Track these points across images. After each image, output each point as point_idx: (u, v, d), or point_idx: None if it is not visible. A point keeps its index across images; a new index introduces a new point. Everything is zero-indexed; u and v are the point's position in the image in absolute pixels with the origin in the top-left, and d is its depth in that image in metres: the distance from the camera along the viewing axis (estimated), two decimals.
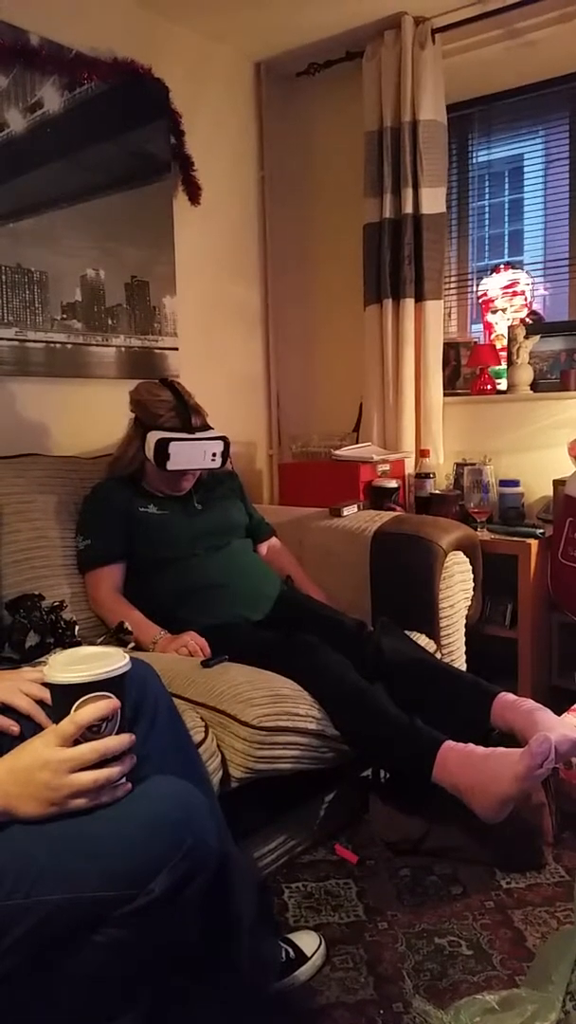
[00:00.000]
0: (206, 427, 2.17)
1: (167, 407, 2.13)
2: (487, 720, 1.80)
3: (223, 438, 2.15)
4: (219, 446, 2.14)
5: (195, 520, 2.18)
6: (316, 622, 2.04)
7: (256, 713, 1.61)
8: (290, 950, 1.46)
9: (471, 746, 1.63)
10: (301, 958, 1.46)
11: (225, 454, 2.16)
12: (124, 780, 1.00)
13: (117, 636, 1.94)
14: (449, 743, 1.64)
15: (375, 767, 1.92)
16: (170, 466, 2.07)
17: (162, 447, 2.06)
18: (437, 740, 1.64)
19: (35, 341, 2.38)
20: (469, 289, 3.11)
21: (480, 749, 1.62)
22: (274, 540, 2.44)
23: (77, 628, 1.86)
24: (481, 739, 1.68)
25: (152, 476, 2.17)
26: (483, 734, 1.75)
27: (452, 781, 1.60)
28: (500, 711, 1.79)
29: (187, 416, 2.12)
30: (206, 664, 1.79)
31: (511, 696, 1.82)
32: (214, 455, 2.13)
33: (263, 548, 2.40)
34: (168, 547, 2.12)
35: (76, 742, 0.97)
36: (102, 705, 0.97)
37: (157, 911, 0.93)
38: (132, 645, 1.94)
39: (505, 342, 2.87)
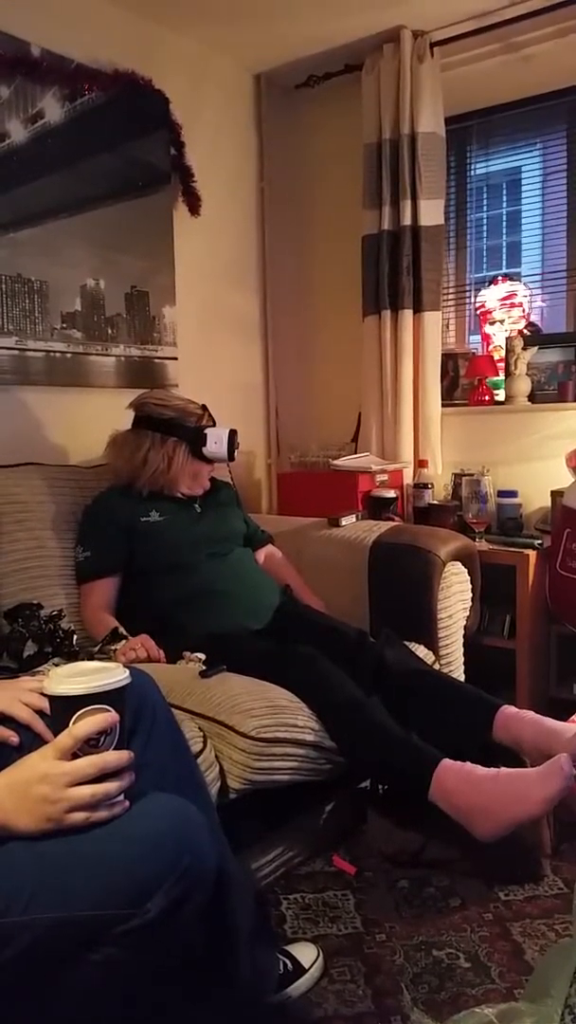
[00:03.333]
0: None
1: (199, 407, 2.24)
2: (489, 733, 1.79)
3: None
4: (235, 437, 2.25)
5: (196, 525, 2.19)
6: (316, 632, 2.04)
7: (254, 724, 1.61)
8: (288, 962, 1.45)
9: (469, 765, 1.61)
10: (299, 970, 1.45)
11: None
12: (122, 797, 0.98)
13: (112, 641, 1.93)
14: (447, 762, 1.62)
15: (371, 780, 1.91)
16: (236, 454, 2.22)
17: (233, 438, 2.19)
18: (435, 758, 1.63)
19: (35, 350, 2.39)
20: (467, 300, 3.12)
21: (480, 769, 1.59)
22: (271, 548, 2.45)
23: (75, 637, 1.86)
24: (482, 752, 1.67)
25: (182, 476, 2.19)
26: (483, 747, 1.74)
27: (449, 801, 1.58)
28: (503, 724, 1.78)
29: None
30: (204, 674, 1.78)
31: (513, 709, 1.81)
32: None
33: (260, 555, 2.40)
34: (170, 552, 2.12)
35: (75, 756, 0.96)
36: (100, 718, 0.96)
37: (154, 931, 0.92)
38: None
39: (503, 353, 2.88)
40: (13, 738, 1.10)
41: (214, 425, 2.23)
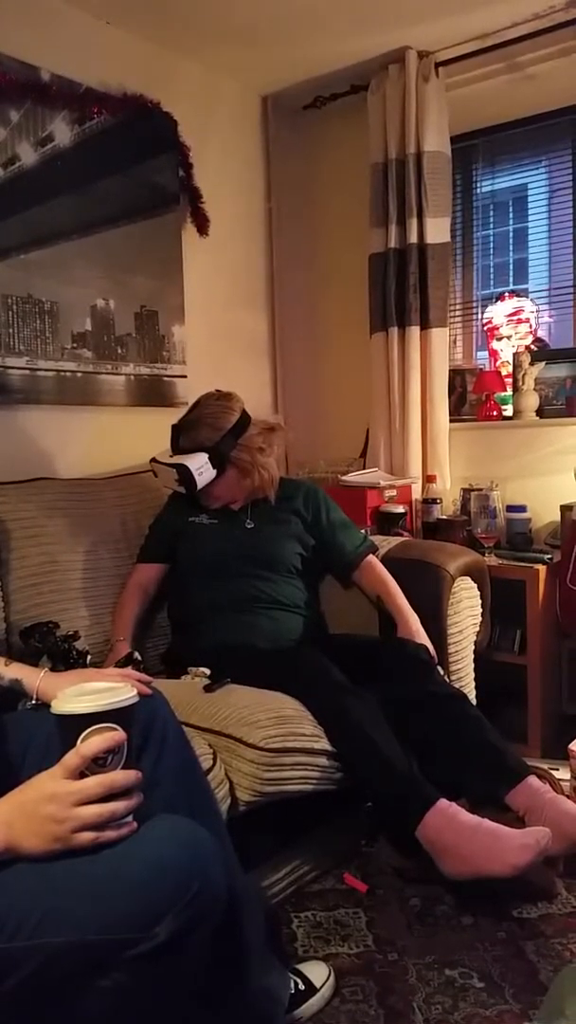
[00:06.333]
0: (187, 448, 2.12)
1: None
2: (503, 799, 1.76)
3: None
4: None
5: (240, 537, 2.16)
6: (342, 650, 2.02)
7: (262, 735, 1.61)
8: (299, 981, 1.44)
9: (455, 807, 1.63)
10: (310, 989, 1.44)
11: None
12: (130, 819, 0.98)
13: (125, 666, 1.93)
14: (441, 803, 1.62)
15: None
16: (198, 482, 2.09)
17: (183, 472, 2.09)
18: (430, 799, 1.63)
19: (46, 370, 2.41)
20: (474, 317, 3.13)
21: (465, 814, 1.62)
22: (369, 560, 2.23)
23: (89, 658, 1.86)
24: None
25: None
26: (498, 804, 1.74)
27: (425, 833, 1.61)
28: (519, 801, 1.74)
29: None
30: (208, 688, 1.79)
31: (535, 784, 1.76)
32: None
33: (357, 574, 2.24)
34: (202, 557, 2.15)
35: (82, 775, 0.96)
36: (107, 737, 0.96)
37: (163, 955, 0.91)
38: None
39: (510, 368, 2.89)
40: (146, 690, 1.23)
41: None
